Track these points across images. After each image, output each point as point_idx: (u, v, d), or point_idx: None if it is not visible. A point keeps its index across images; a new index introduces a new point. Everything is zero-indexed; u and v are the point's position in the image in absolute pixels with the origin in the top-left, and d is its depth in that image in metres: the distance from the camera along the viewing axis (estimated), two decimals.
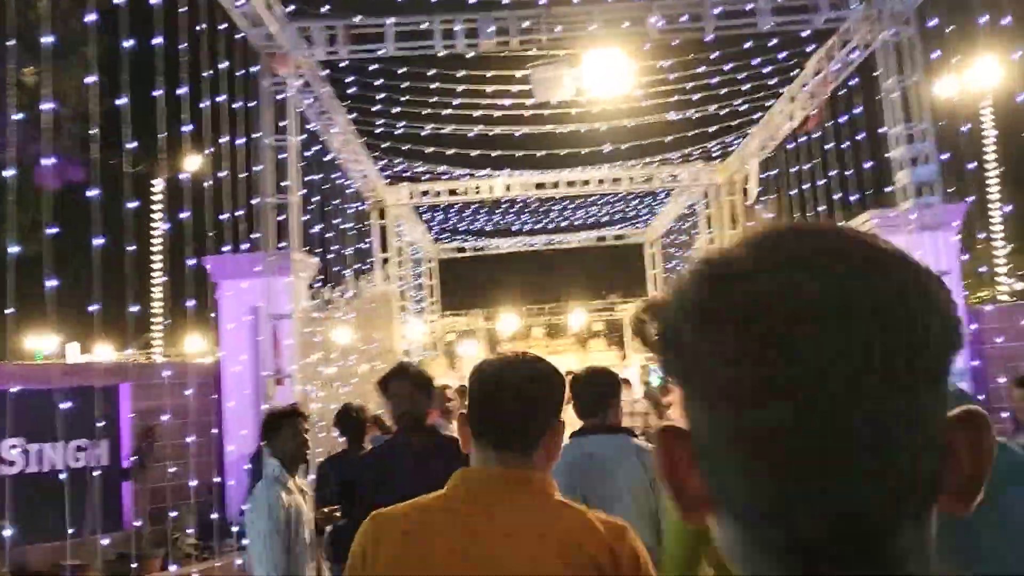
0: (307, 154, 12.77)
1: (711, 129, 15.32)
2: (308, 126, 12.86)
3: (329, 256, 14.69)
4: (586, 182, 17.86)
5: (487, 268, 30.10)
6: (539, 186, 17.95)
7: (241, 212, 9.87)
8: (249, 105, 10.18)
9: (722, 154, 17.17)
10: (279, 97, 10.91)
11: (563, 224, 23.54)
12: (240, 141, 9.81)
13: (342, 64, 11.64)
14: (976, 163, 15.06)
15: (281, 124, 10.90)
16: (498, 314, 38.79)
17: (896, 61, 10.28)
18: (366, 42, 10.66)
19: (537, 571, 1.79)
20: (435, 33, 10.46)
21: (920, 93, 10.22)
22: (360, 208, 17.18)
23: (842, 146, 12.85)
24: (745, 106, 14.05)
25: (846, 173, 12.90)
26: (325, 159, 14.15)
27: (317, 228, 14.09)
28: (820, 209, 13.84)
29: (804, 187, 14.09)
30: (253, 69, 10.39)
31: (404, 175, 17.27)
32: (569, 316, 39.80)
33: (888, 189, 11.94)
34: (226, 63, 9.30)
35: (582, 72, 10.59)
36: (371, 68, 11.79)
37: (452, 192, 18.23)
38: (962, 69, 12.99)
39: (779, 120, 14.58)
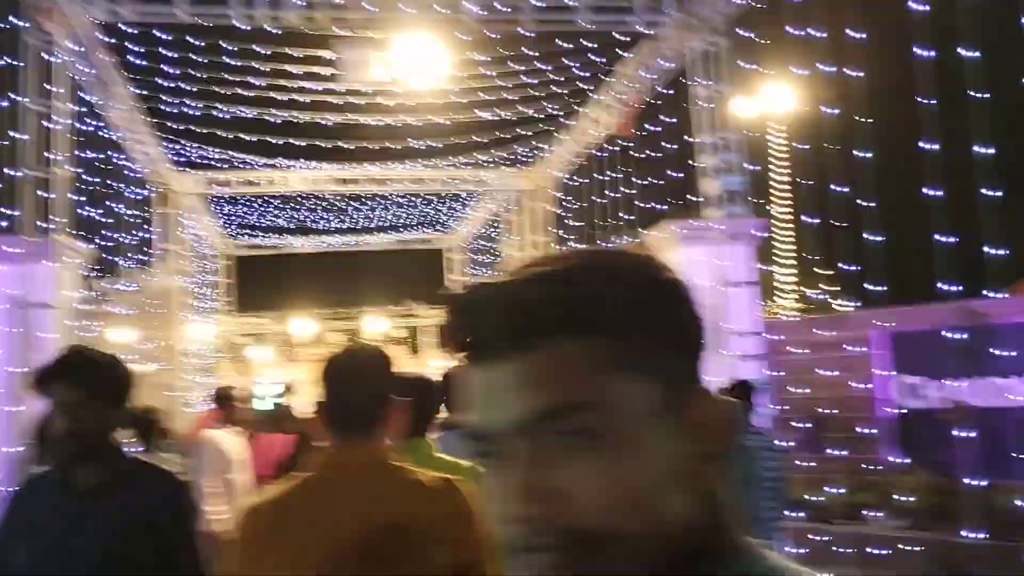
0: (83, 128, 11.45)
1: (521, 132, 15.06)
2: (86, 97, 11.53)
3: (104, 244, 13.32)
4: (391, 180, 17.21)
5: (284, 268, 28.77)
6: (342, 182, 17.13)
7: None
8: (9, 62, 8.91)
9: (531, 159, 16.99)
10: (48, 59, 9.63)
11: (365, 225, 22.76)
12: None
13: (126, 29, 10.45)
14: (771, 180, 15.63)
15: (50, 89, 9.62)
16: (293, 317, 37.43)
17: (707, 70, 10.30)
18: (153, 3, 9.57)
19: (380, 526, 2.12)
20: (232, 2, 9.52)
21: (729, 104, 10.29)
22: (144, 195, 15.77)
23: (651, 155, 12.89)
24: (557, 110, 13.86)
25: (653, 182, 12.94)
26: (104, 136, 12.79)
27: (91, 212, 12.71)
28: (628, 218, 13.86)
29: (612, 194, 14.07)
30: (17, 22, 9.10)
31: (196, 162, 15.99)
32: (367, 321, 38.96)
33: (694, 199, 12.02)
34: None
35: (392, 56, 9.98)
36: (160, 37, 10.68)
37: (248, 183, 17.08)
38: (760, 86, 13.33)
39: (589, 126, 14.50)
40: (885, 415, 11.95)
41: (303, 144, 14.10)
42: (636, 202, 13.24)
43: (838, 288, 16.67)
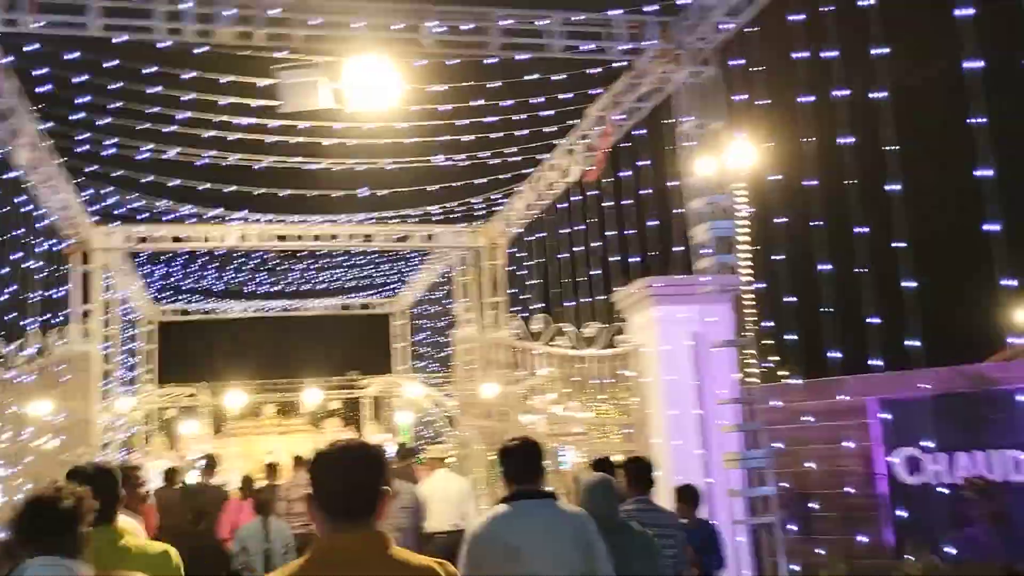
0: None
1: (479, 181, 13.82)
2: None
3: (5, 302, 11.69)
4: (334, 236, 15.80)
5: (214, 335, 26.99)
6: (280, 238, 15.67)
7: None
8: None
9: (486, 213, 15.76)
10: None
11: (304, 287, 21.26)
12: None
13: (29, 48, 9.04)
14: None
15: None
16: (225, 388, 35.43)
17: (695, 104, 9.22)
18: (61, 13, 8.19)
19: None
20: (156, 13, 8.20)
21: (720, 140, 9.19)
22: (56, 247, 14.12)
23: (623, 204, 11.76)
24: (518, 157, 12.68)
25: (626, 234, 11.78)
26: (6, 177, 11.25)
27: None
28: (594, 274, 12.66)
29: (578, 249, 12.88)
30: None
31: (116, 212, 14.44)
32: (304, 393, 37.12)
33: (674, 250, 10.89)
34: None
35: (338, 85, 8.72)
36: (69, 58, 9.26)
37: (176, 239, 15.50)
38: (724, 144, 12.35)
39: (552, 175, 13.35)
40: (885, 491, 10.76)
41: (232, 191, 12.63)
42: (606, 257, 12.05)
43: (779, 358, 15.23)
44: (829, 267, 7.56)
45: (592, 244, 12.82)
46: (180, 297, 21.54)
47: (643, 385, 11.26)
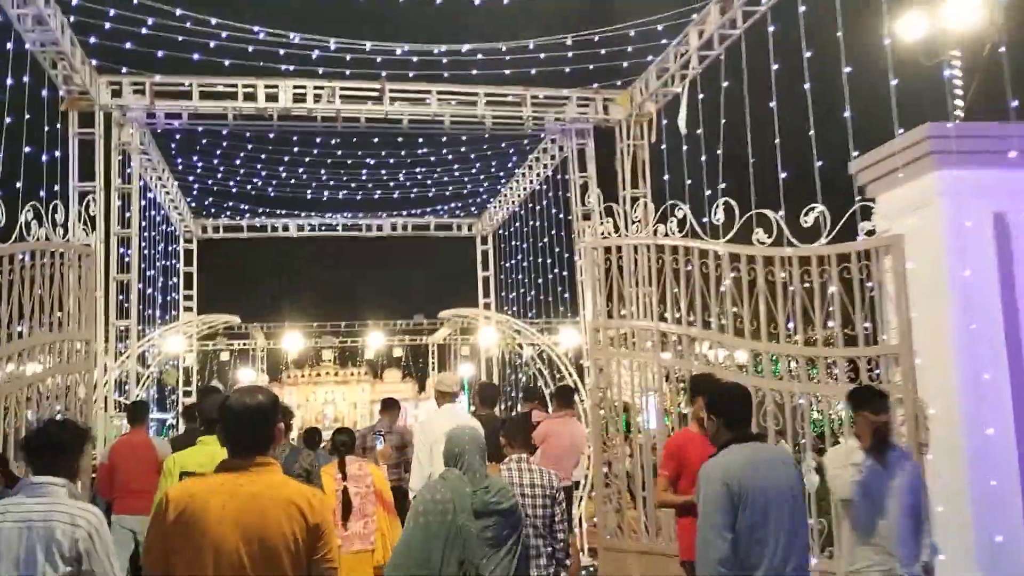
0: None
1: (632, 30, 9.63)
2: None
3: None
4: (421, 100, 11.53)
5: (264, 259, 23.05)
6: (353, 98, 11.47)
7: None
8: None
9: (629, 74, 11.42)
10: None
11: (375, 198, 17.18)
12: None
13: None
14: None
15: None
16: (281, 332, 32.07)
17: None
18: None
19: (270, 517, 3.20)
20: None
21: None
22: (48, 96, 10.09)
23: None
24: None
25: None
26: None
27: None
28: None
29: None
30: None
31: (129, 55, 10.37)
32: (366, 338, 33.66)
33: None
34: None
35: None
36: None
37: (207, 94, 11.34)
38: None
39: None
40: None
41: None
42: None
43: None
44: None
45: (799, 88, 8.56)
46: (224, 205, 17.59)
47: (907, 293, 6.99)
